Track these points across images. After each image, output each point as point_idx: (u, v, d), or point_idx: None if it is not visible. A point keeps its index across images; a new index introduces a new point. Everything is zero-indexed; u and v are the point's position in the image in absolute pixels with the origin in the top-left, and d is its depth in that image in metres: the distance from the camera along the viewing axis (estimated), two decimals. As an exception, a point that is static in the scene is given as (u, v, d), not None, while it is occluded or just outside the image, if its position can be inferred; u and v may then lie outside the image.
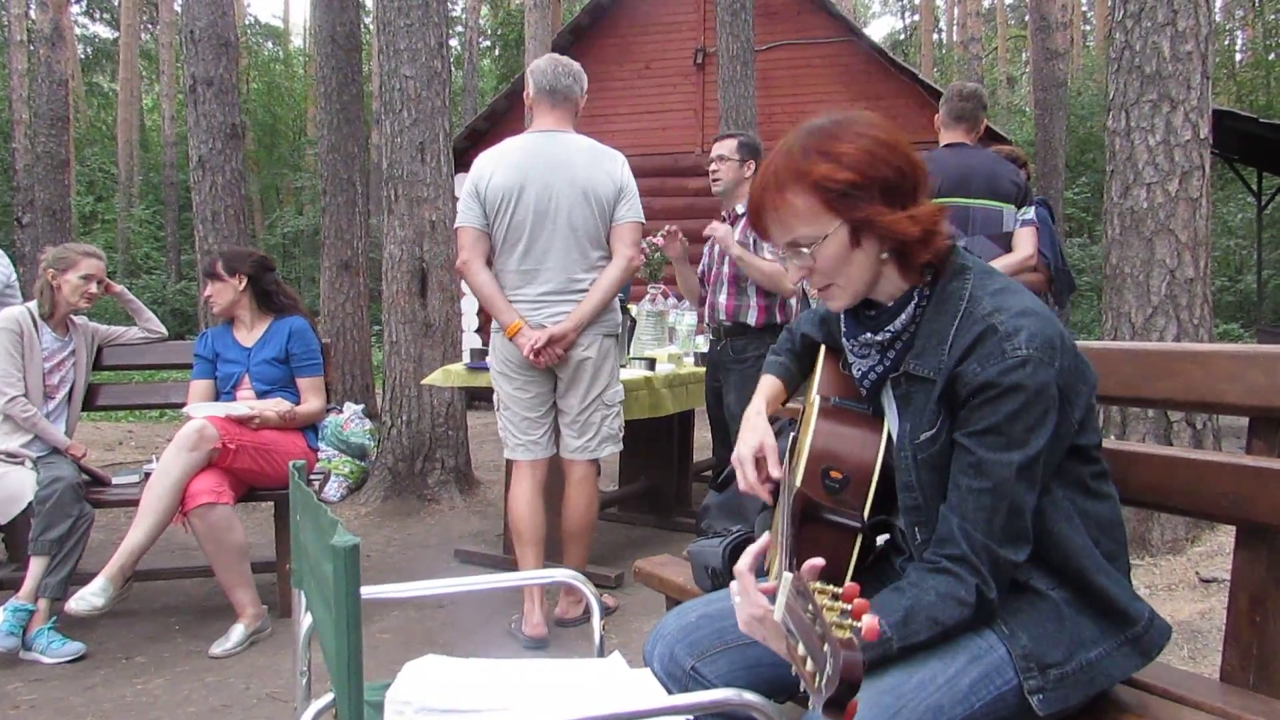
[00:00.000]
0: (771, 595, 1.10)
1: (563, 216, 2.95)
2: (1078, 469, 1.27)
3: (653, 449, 4.44)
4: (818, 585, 0.91)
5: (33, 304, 3.32)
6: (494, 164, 3.00)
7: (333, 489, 5.08)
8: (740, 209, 3.53)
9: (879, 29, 37.63)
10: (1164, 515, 3.39)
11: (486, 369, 3.29)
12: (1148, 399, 1.66)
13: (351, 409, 5.69)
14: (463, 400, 5.19)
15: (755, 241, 3.42)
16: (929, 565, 1.21)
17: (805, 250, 1.26)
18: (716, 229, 3.46)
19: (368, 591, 1.24)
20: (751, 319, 3.49)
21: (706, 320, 3.74)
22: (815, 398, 1.42)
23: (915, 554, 1.30)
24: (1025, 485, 1.18)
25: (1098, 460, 1.29)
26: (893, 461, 1.31)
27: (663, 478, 4.53)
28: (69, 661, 2.87)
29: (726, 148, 3.58)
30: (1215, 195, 13.68)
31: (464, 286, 5.37)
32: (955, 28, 28.87)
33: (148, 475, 3.10)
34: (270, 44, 32.49)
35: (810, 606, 0.88)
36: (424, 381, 4.06)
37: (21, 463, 3.09)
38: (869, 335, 1.32)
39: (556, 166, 2.96)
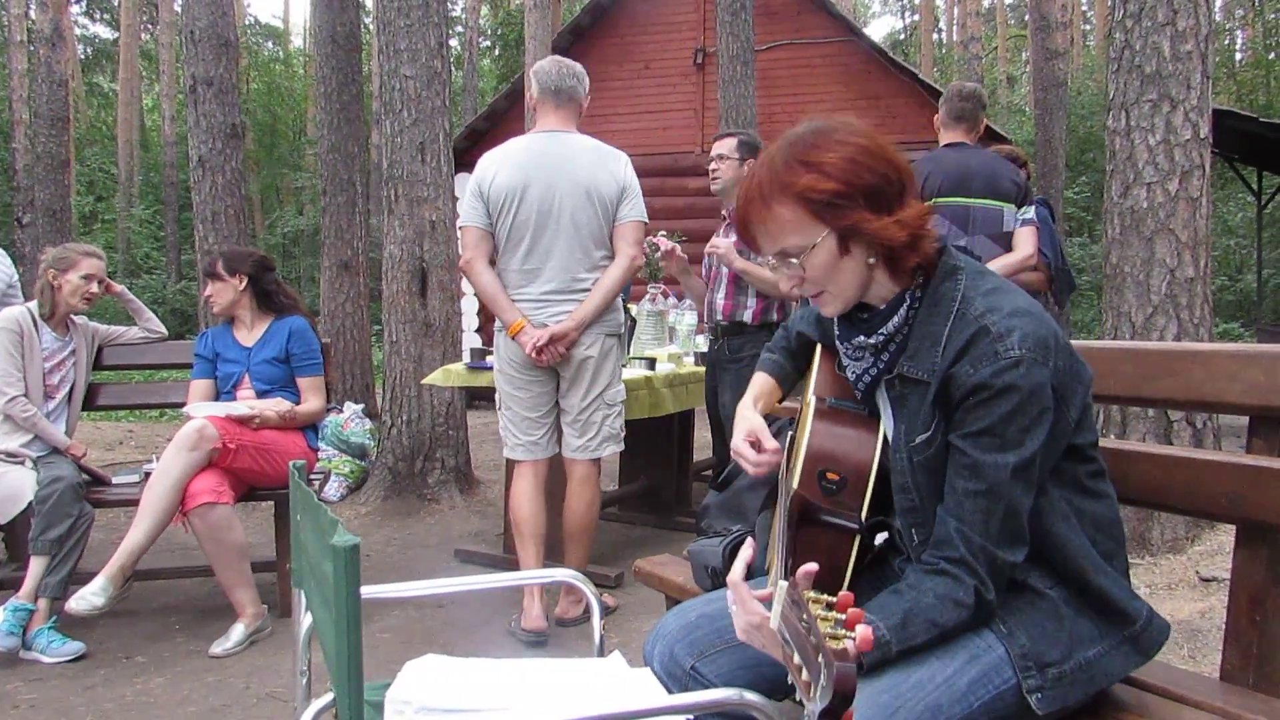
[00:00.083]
0: (768, 602, 1.10)
1: (566, 216, 2.96)
2: (1074, 468, 1.27)
3: (653, 449, 4.44)
4: (812, 595, 0.92)
5: (33, 304, 3.32)
6: (498, 164, 3.01)
7: (333, 489, 5.08)
8: (740, 209, 3.52)
9: (879, 29, 37.66)
10: (1164, 514, 3.39)
11: (486, 369, 3.30)
12: (1148, 398, 1.66)
13: (351, 409, 5.70)
14: (463, 400, 5.19)
15: None
16: (927, 567, 1.21)
17: (795, 260, 1.27)
18: (718, 245, 3.46)
19: (368, 591, 1.24)
20: (748, 318, 3.50)
21: (705, 319, 3.74)
22: (811, 398, 1.43)
23: (913, 555, 1.30)
24: (1021, 486, 1.18)
25: (1094, 459, 1.29)
26: (889, 463, 1.31)
27: (663, 477, 4.54)
28: (69, 661, 2.87)
29: (726, 147, 3.58)
30: (1215, 195, 13.69)
31: (464, 286, 5.40)
32: (955, 27, 28.86)
33: (148, 475, 3.10)
34: (270, 44, 32.47)
35: (805, 616, 0.89)
36: (424, 381, 4.07)
37: (21, 462, 3.09)
38: (862, 338, 1.32)
39: (560, 166, 2.96)
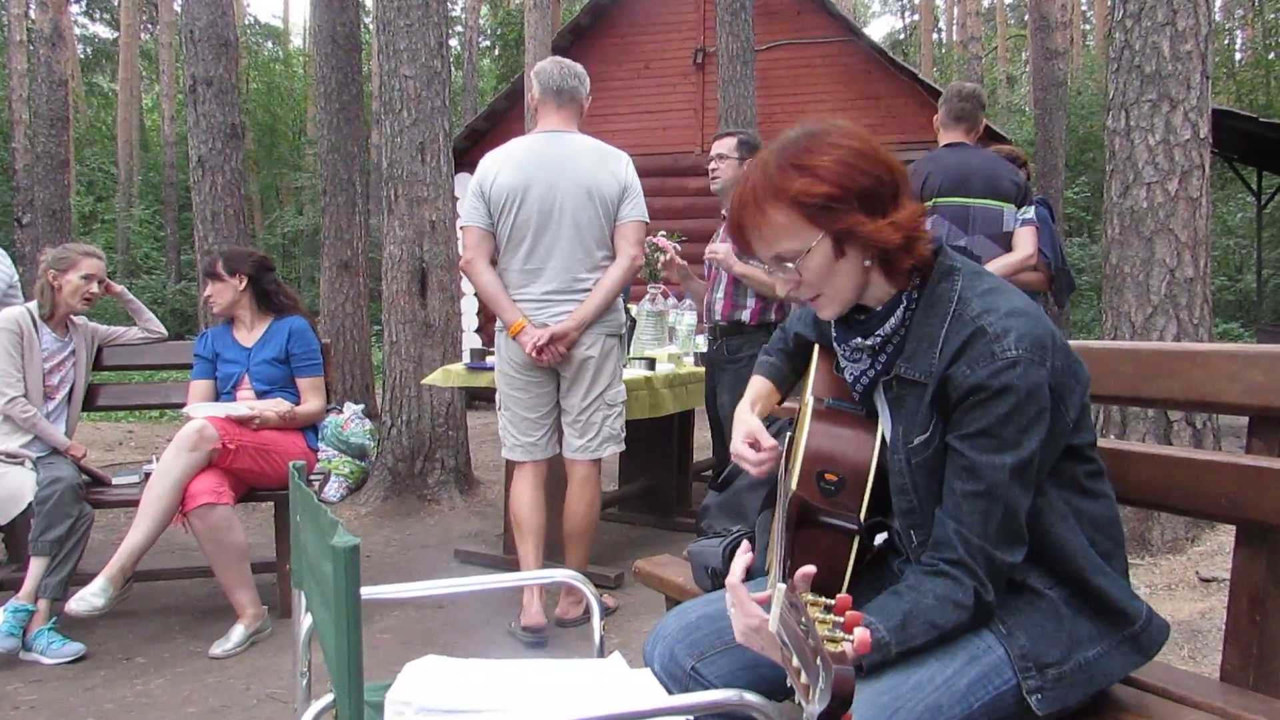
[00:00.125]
0: (766, 605, 1.10)
1: (567, 216, 2.96)
2: (1072, 468, 1.26)
3: (653, 449, 4.44)
4: (810, 597, 0.92)
5: (33, 304, 3.32)
6: (499, 164, 3.01)
7: (333, 489, 5.08)
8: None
9: (879, 29, 37.66)
10: (1164, 515, 3.39)
11: (487, 369, 3.29)
12: (1148, 399, 1.66)
13: (351, 409, 5.69)
14: (463, 400, 5.19)
15: None
16: (926, 568, 1.21)
17: (790, 264, 1.27)
18: (717, 251, 3.46)
19: (368, 592, 1.24)
20: (746, 318, 3.49)
21: (704, 320, 3.75)
22: (810, 399, 1.43)
23: (912, 556, 1.30)
24: (1020, 487, 1.18)
25: (1092, 459, 1.29)
26: (888, 464, 1.31)
27: (663, 478, 4.54)
28: (69, 662, 2.87)
29: (726, 146, 3.58)
30: (1215, 195, 13.68)
31: (464, 286, 5.40)
32: (955, 27, 28.86)
33: (148, 475, 3.10)
34: (270, 44, 32.46)
35: (803, 619, 0.89)
36: (424, 381, 4.07)
37: (21, 463, 3.09)
38: (859, 340, 1.32)
39: (561, 166, 2.96)
